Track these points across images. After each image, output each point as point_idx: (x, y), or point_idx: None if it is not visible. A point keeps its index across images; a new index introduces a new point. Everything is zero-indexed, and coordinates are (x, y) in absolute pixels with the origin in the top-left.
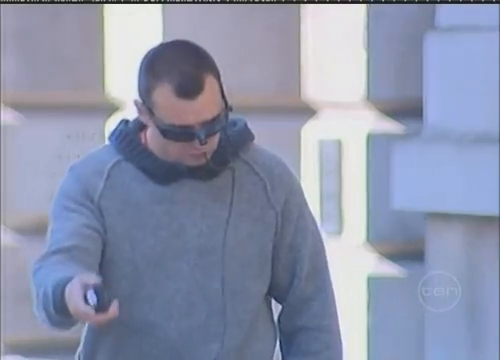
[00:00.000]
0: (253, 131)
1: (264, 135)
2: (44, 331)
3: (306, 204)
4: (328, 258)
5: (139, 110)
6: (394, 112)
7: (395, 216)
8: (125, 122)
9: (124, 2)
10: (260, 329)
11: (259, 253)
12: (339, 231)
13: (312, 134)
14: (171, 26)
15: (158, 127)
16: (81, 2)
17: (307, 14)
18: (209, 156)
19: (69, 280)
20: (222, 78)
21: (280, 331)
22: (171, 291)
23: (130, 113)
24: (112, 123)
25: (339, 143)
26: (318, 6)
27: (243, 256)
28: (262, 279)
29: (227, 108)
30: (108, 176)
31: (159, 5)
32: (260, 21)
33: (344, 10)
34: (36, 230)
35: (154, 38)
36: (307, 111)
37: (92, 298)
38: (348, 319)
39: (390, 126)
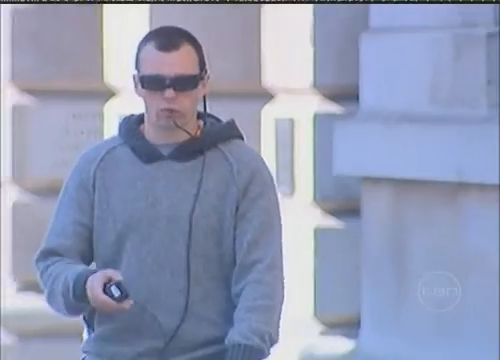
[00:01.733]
0: (225, 117)
1: (230, 116)
2: None
3: (270, 189)
4: (282, 215)
5: (134, 83)
6: (336, 96)
7: (337, 180)
8: (131, 115)
9: (124, 2)
10: (222, 289)
11: (220, 224)
12: (291, 192)
13: (270, 114)
14: (156, 25)
15: (141, 81)
16: (80, 2)
17: (266, 13)
18: (179, 121)
19: (89, 272)
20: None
21: (233, 293)
22: (144, 253)
23: (124, 98)
24: (109, 106)
25: (292, 121)
26: (276, 7)
27: (206, 225)
28: (223, 246)
29: (202, 74)
30: (101, 160)
31: (147, 6)
32: (226, 20)
33: (297, 10)
34: (48, 191)
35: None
36: (266, 96)
37: (116, 290)
38: (298, 264)
39: (333, 108)
